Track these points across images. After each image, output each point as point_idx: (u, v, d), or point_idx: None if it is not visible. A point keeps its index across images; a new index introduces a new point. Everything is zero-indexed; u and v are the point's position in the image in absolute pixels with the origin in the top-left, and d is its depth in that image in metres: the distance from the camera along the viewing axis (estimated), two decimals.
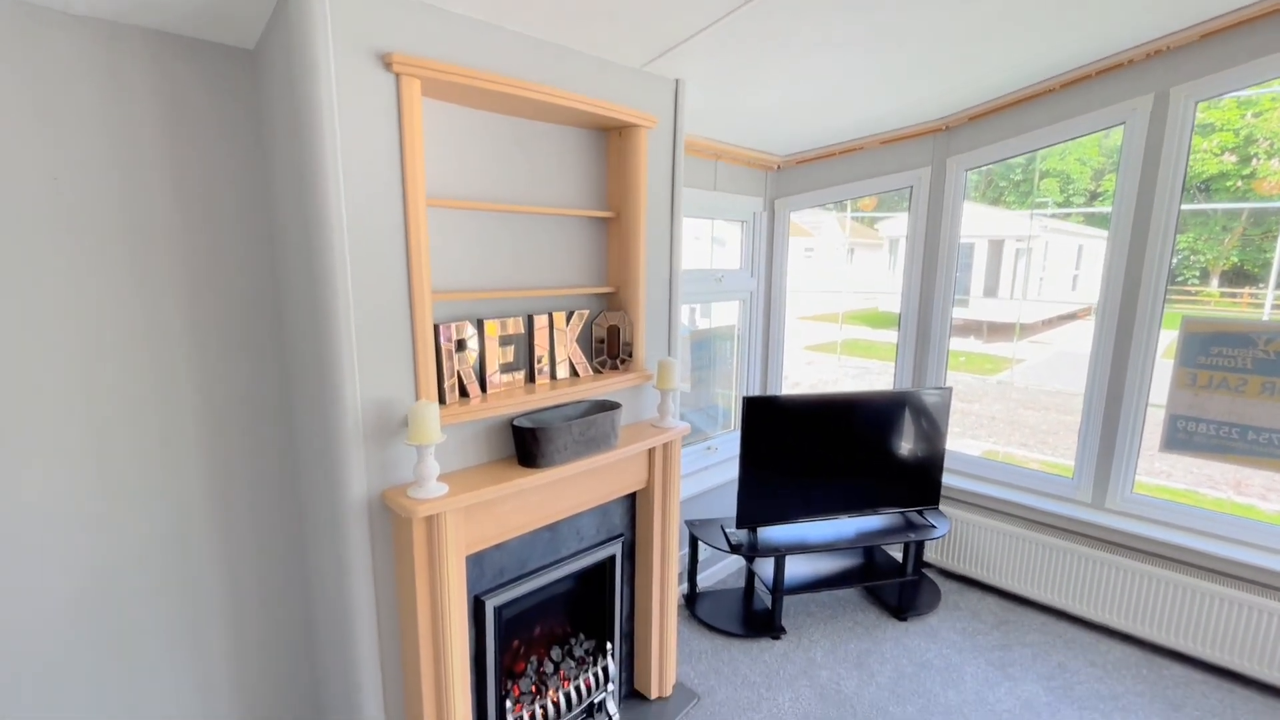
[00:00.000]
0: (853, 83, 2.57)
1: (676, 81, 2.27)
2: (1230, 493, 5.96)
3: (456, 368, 1.81)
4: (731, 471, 3.46)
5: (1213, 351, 2.62)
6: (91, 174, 1.51)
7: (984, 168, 3.21)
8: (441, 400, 1.78)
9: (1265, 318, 2.56)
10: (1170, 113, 2.58)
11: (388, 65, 1.53)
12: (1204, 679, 2.64)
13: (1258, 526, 2.63)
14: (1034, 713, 2.45)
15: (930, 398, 3.12)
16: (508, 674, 2.17)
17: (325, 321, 1.56)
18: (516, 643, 2.21)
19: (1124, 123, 2.72)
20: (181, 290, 1.66)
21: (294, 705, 2.03)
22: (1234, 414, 2.60)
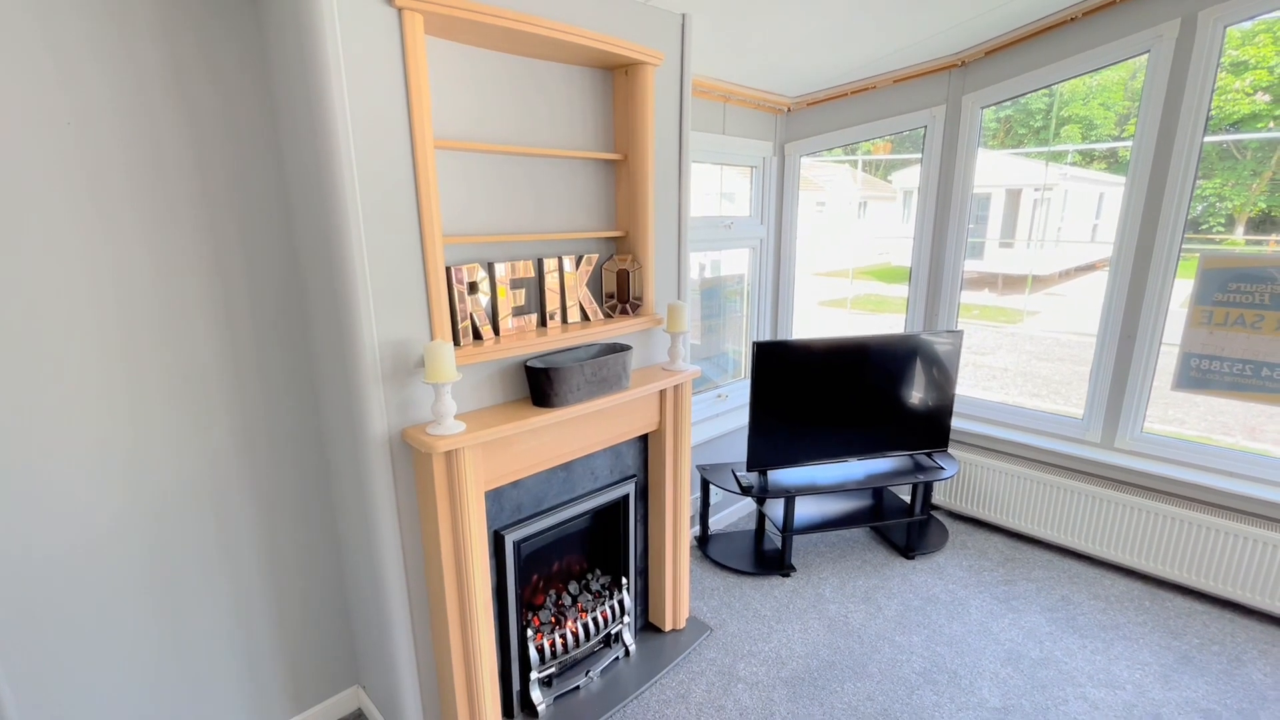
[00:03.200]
0: (864, 13, 2.49)
1: (683, 16, 2.21)
2: (1242, 438, 5.96)
3: (469, 310, 1.84)
4: (742, 419, 3.51)
5: (1230, 288, 2.59)
6: (103, 119, 1.52)
7: (1003, 113, 3.12)
8: (456, 342, 1.81)
9: None
10: (1197, 39, 2.48)
11: (389, 0, 1.51)
12: (1206, 610, 2.70)
13: (1264, 461, 2.65)
14: (1036, 641, 2.53)
15: (941, 341, 3.12)
16: (528, 606, 2.27)
17: (340, 263, 1.58)
18: (536, 577, 2.31)
19: (1148, 51, 2.62)
20: (200, 235, 1.69)
21: (327, 633, 2.14)
22: (1249, 351, 2.58)
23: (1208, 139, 2.56)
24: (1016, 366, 8.89)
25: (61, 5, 1.43)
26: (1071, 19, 2.72)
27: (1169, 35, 2.55)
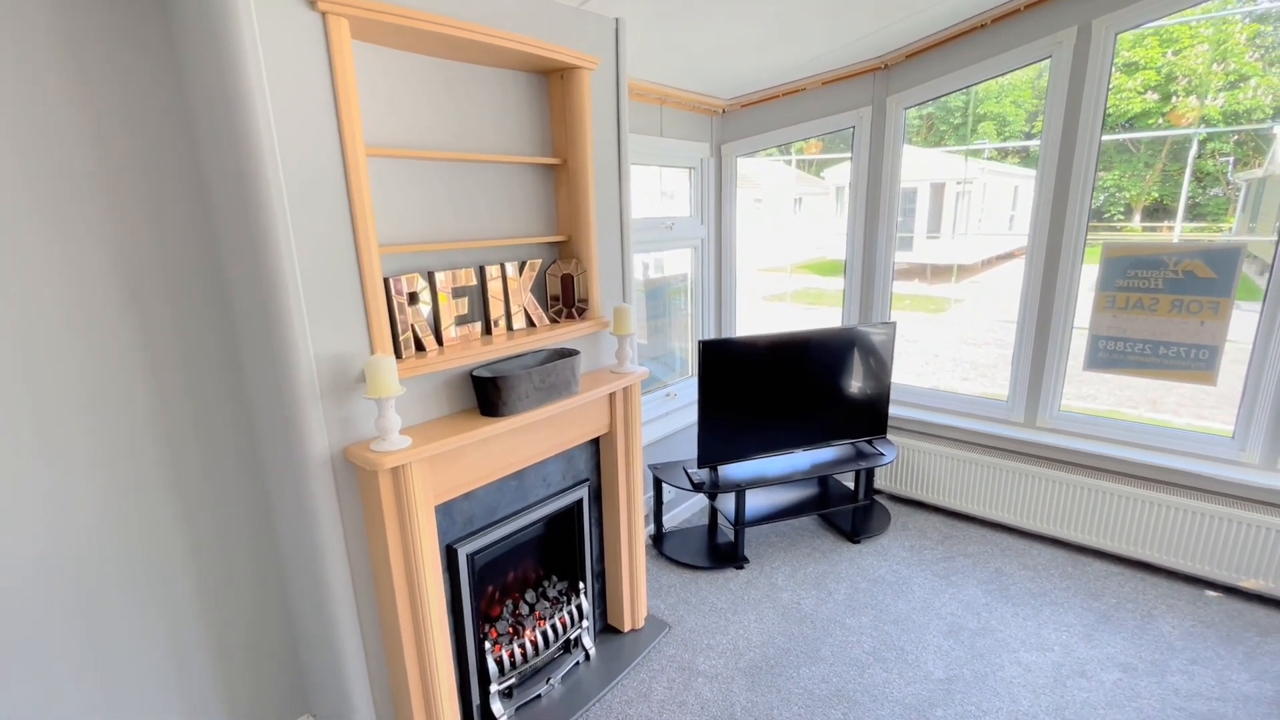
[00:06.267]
0: (790, 18, 2.57)
1: (616, 21, 2.22)
2: (1146, 409, 6.49)
3: (410, 321, 1.80)
4: (691, 416, 3.56)
5: (1129, 274, 2.81)
6: None
7: (925, 110, 3.29)
8: (398, 354, 1.77)
9: (1176, 240, 2.75)
10: (1093, 45, 2.68)
11: (312, 3, 1.45)
12: (1120, 571, 2.93)
13: (1166, 432, 2.90)
14: (974, 613, 2.69)
15: (876, 333, 3.25)
16: (485, 618, 2.23)
17: (269, 278, 1.52)
18: (491, 588, 2.27)
19: (1050, 56, 2.82)
20: (112, 255, 1.58)
21: (273, 663, 2.05)
22: (1148, 331, 2.81)
23: (1106, 138, 2.77)
24: (947, 352, 9.34)
25: None
26: (982, 25, 2.89)
27: (1067, 42, 2.74)
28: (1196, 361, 2.72)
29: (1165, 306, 2.75)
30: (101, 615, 1.68)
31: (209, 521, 1.84)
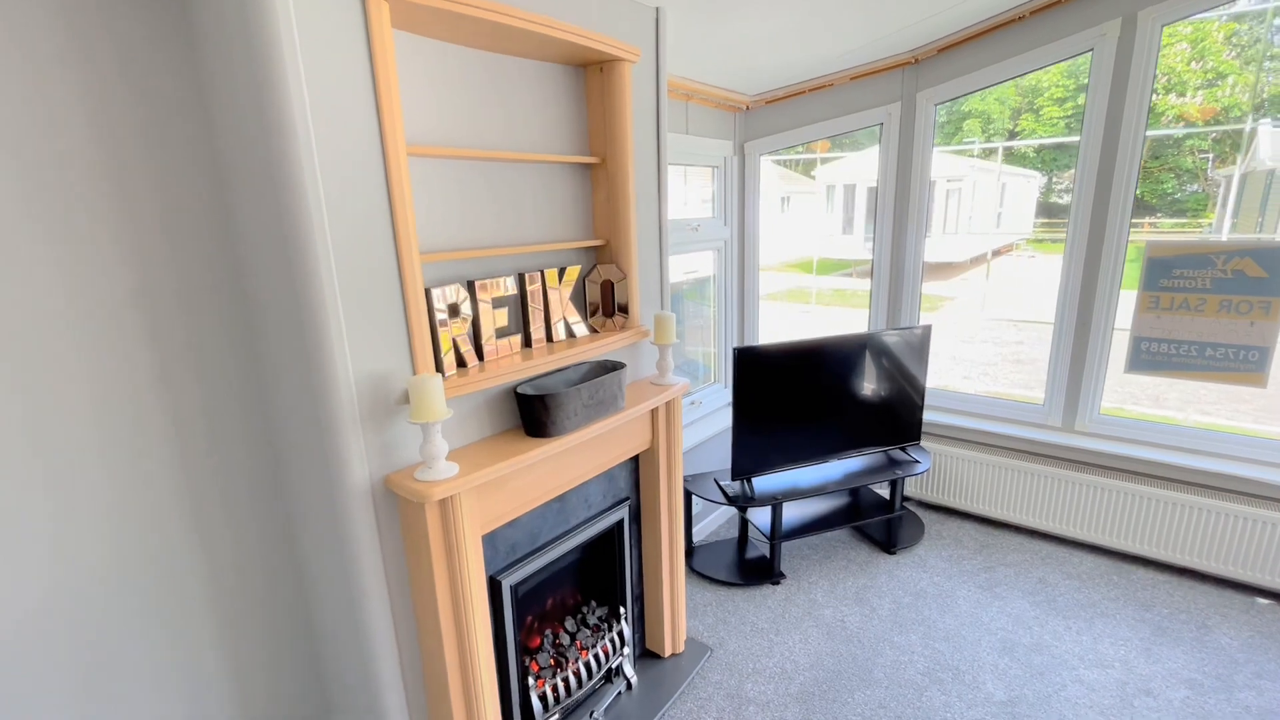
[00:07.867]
0: (827, 10, 2.45)
1: (657, 10, 2.08)
2: (1149, 405, 6.48)
3: (453, 335, 1.65)
4: (717, 424, 3.43)
5: (1174, 274, 2.73)
6: None
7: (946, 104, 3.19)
8: (440, 371, 1.62)
9: (1224, 238, 2.68)
10: (1138, 37, 2.60)
11: None
12: (1167, 579, 2.86)
13: (1210, 436, 2.82)
14: (1025, 627, 2.59)
15: (910, 336, 3.15)
16: (525, 651, 2.08)
17: (305, 290, 1.36)
18: (530, 618, 2.12)
19: (1092, 50, 2.73)
20: (124, 269, 1.41)
21: (301, 709, 1.88)
22: (1193, 332, 2.73)
23: (1149, 133, 2.69)
24: (945, 350, 9.31)
25: None
26: (1019, 18, 2.80)
27: (1111, 34, 2.65)
28: (1246, 363, 2.64)
29: (1213, 306, 2.67)
30: (108, 667, 1.50)
31: (228, 558, 1.67)
